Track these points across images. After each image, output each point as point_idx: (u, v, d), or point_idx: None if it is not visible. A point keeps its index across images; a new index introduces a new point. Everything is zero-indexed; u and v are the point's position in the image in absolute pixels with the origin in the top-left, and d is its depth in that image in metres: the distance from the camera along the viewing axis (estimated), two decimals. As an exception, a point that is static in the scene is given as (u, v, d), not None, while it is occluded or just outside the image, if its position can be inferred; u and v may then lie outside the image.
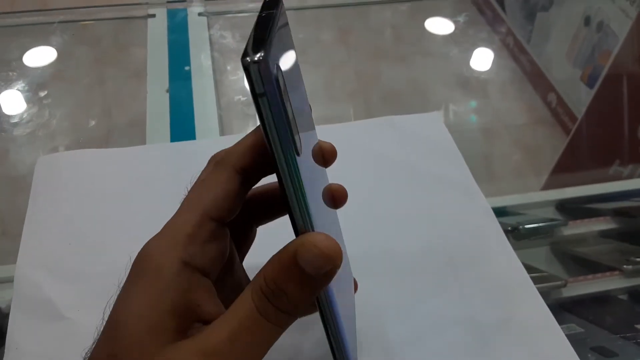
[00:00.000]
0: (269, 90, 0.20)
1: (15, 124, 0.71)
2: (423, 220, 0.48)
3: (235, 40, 0.80)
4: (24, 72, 0.78)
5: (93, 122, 0.77)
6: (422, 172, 0.52)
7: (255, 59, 0.20)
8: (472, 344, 0.40)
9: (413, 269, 0.45)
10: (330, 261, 0.22)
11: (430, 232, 0.47)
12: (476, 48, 1.11)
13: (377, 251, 0.46)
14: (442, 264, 0.45)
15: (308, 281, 0.23)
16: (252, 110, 0.72)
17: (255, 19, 0.23)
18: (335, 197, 0.31)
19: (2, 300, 0.52)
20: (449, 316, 0.42)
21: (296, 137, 0.22)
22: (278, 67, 0.21)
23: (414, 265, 0.45)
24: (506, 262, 0.46)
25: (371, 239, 0.47)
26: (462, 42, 1.11)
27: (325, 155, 0.30)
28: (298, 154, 0.22)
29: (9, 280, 0.51)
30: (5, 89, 0.75)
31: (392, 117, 0.56)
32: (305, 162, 0.24)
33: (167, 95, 0.67)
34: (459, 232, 0.47)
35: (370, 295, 0.41)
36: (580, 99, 1.28)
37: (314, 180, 0.25)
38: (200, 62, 0.72)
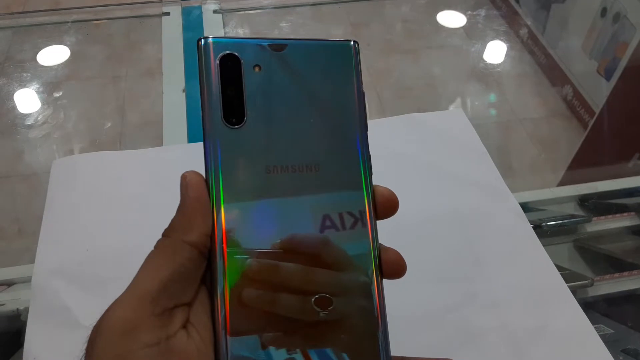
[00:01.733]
0: (200, 58, 0.27)
1: (30, 125, 0.70)
2: (450, 222, 0.47)
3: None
4: (38, 72, 0.77)
5: (108, 122, 0.76)
6: (448, 171, 0.50)
7: (202, 38, 0.27)
8: (505, 353, 0.39)
9: (440, 274, 0.44)
10: (181, 179, 0.27)
11: (458, 235, 0.45)
12: (490, 41, 1.09)
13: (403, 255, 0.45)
14: (471, 268, 0.44)
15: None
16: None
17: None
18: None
19: (19, 301, 0.51)
20: (481, 325, 0.40)
21: (219, 109, 0.27)
22: (235, 60, 0.27)
23: (442, 271, 0.44)
24: (539, 265, 0.44)
25: (394, 243, 0.45)
26: (476, 35, 1.10)
27: (378, 199, 0.29)
28: (230, 123, 0.27)
29: (26, 281, 0.51)
30: (20, 89, 0.74)
31: (415, 115, 0.55)
32: (248, 136, 0.27)
33: (184, 95, 0.66)
34: (489, 235, 0.46)
35: (394, 304, 0.40)
36: (597, 91, 1.26)
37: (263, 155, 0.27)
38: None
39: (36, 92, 0.75)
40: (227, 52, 0.27)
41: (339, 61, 0.29)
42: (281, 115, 0.28)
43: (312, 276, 0.26)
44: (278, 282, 0.26)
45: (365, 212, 0.28)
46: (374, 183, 0.29)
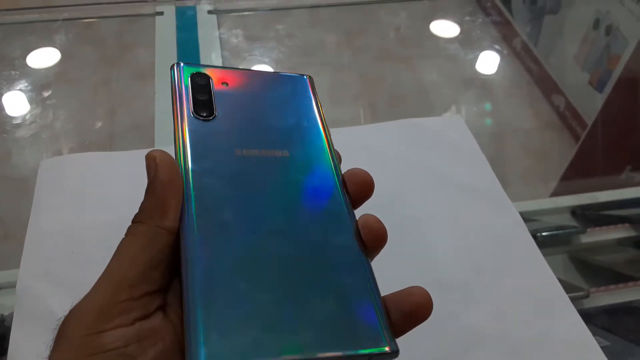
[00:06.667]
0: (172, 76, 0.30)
1: (18, 125, 0.69)
2: (449, 230, 0.46)
3: (246, 39, 0.78)
4: (27, 71, 0.75)
5: (99, 124, 0.74)
6: (447, 178, 0.49)
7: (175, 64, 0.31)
8: (506, 361, 0.38)
9: (440, 281, 0.43)
10: (147, 159, 0.26)
11: (457, 243, 0.45)
12: (482, 51, 1.09)
13: (400, 262, 0.44)
14: (471, 276, 0.43)
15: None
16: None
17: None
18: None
19: (4, 306, 0.50)
20: (480, 332, 0.40)
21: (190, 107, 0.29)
22: (195, 80, 0.30)
23: (441, 278, 0.43)
24: (539, 274, 0.44)
25: (393, 250, 0.44)
26: (468, 45, 1.10)
27: (354, 180, 0.28)
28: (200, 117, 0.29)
29: (12, 286, 0.49)
30: (8, 88, 0.73)
31: (412, 120, 0.54)
32: (214, 128, 0.29)
33: (177, 95, 0.64)
34: (488, 243, 0.45)
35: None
36: (589, 103, 1.26)
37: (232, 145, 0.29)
38: (211, 61, 0.70)
39: (25, 91, 0.73)
40: (198, 70, 0.31)
41: (298, 88, 0.33)
42: (248, 113, 0.30)
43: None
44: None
45: (336, 185, 0.29)
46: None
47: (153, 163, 0.26)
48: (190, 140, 0.28)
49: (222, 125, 0.29)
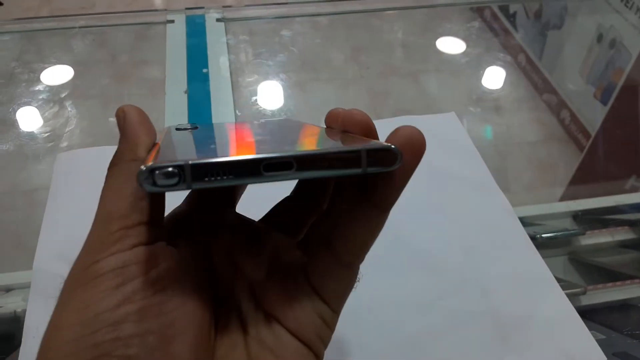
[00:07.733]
0: None
1: (34, 138, 0.71)
2: (442, 216, 0.48)
3: (252, 44, 0.81)
4: (44, 78, 0.78)
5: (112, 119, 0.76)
6: (441, 169, 0.51)
7: None
8: (493, 338, 0.39)
9: (433, 264, 0.44)
10: (117, 113, 0.26)
11: (449, 228, 0.46)
12: (487, 66, 1.11)
13: (396, 248, 0.46)
14: (462, 259, 0.45)
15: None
16: (269, 109, 0.73)
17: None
18: None
19: (17, 305, 0.52)
20: (470, 311, 0.41)
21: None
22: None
23: (434, 261, 0.45)
24: (527, 258, 0.45)
25: (390, 236, 0.46)
26: (473, 60, 1.11)
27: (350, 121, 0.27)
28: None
29: (24, 287, 0.51)
30: (25, 96, 0.76)
31: (409, 117, 0.57)
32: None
33: (186, 96, 0.67)
34: (479, 228, 0.47)
35: (390, 291, 0.41)
36: (594, 115, 1.27)
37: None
38: (218, 64, 0.73)
39: (42, 96, 0.76)
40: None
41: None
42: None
43: None
44: None
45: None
46: None
47: (122, 113, 0.26)
48: (172, 131, 0.28)
49: (204, 130, 0.29)
